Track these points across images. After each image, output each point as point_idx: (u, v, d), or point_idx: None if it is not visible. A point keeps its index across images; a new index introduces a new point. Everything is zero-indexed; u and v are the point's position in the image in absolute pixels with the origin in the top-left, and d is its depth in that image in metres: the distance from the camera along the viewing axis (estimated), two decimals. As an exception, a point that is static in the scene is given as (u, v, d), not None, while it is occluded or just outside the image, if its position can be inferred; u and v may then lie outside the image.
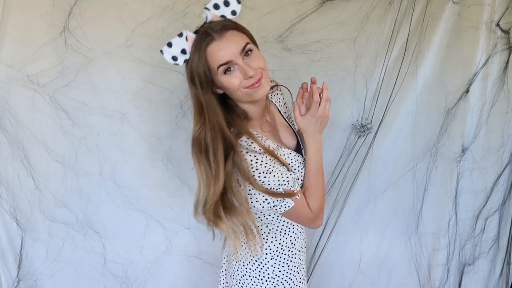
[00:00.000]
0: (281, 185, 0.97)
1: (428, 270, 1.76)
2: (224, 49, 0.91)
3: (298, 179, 1.05)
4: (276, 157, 0.98)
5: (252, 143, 0.97)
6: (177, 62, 0.95)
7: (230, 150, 0.94)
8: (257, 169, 0.94)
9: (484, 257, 1.72)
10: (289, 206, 1.00)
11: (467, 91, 1.56)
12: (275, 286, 1.12)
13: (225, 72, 0.93)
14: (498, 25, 1.49)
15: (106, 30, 1.41)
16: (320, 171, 1.06)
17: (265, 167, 0.95)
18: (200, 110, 0.96)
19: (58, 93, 1.45)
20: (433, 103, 1.58)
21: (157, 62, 1.43)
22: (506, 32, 1.50)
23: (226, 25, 0.93)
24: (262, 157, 0.95)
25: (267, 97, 1.10)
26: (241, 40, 0.93)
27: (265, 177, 0.95)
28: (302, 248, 1.17)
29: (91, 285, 1.66)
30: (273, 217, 1.08)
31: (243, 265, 1.15)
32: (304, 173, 1.05)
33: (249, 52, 0.93)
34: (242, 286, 1.16)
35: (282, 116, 1.17)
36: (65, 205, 1.56)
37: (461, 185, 1.65)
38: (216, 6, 0.94)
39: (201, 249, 1.68)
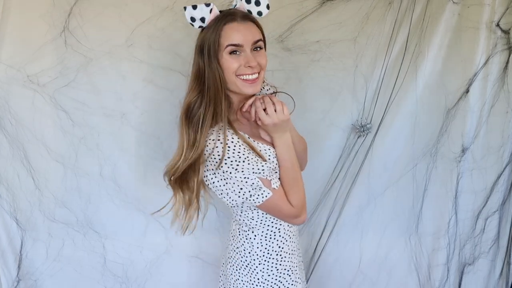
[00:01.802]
0: (255, 173, 0.99)
1: (428, 270, 1.76)
2: (240, 31, 0.97)
3: (276, 172, 1.05)
4: (252, 148, 1.00)
5: (229, 129, 0.99)
6: (194, 24, 1.00)
7: (217, 122, 0.99)
8: (232, 155, 0.96)
9: (484, 257, 1.72)
10: (266, 196, 1.01)
11: (467, 91, 1.56)
12: None
13: (230, 53, 0.97)
14: (498, 25, 1.49)
15: (106, 30, 1.41)
16: (295, 166, 1.07)
17: (238, 154, 0.97)
18: (201, 78, 1.00)
19: (58, 93, 1.45)
20: (433, 103, 1.58)
21: (157, 62, 1.43)
22: (506, 32, 1.50)
23: (250, 17, 1.02)
24: (237, 145, 0.97)
25: None
26: (257, 34, 1.01)
27: (237, 164, 0.97)
28: (294, 250, 1.17)
29: (91, 285, 1.65)
30: (256, 221, 1.08)
31: (236, 270, 1.16)
32: (279, 170, 1.06)
33: (258, 48, 1.02)
34: None
35: None
36: (65, 205, 1.56)
37: (461, 185, 1.65)
38: (248, 0, 1.00)
39: (201, 249, 1.67)
